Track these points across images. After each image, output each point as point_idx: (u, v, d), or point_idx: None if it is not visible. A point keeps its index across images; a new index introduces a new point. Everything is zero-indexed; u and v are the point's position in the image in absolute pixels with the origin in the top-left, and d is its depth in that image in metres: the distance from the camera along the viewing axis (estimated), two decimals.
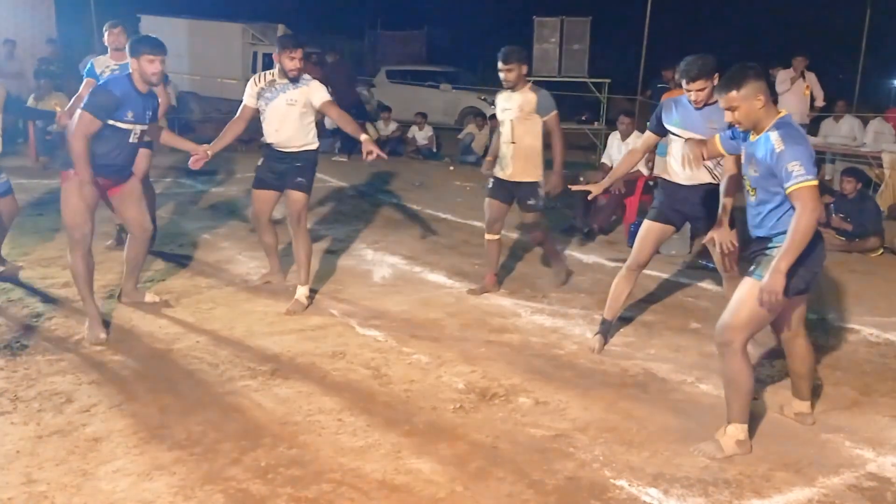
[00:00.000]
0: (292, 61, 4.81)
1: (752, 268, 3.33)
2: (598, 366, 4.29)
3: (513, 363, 4.26)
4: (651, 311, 5.25)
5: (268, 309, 4.97)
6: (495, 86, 16.12)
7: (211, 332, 4.51)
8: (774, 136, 3.13)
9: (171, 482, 2.91)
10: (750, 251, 3.43)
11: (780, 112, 3.22)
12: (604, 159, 7.83)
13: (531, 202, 5.30)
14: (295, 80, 4.88)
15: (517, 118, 5.16)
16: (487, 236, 5.53)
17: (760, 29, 16.19)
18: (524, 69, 5.13)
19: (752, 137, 3.28)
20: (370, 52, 21.37)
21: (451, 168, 11.76)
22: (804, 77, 9.90)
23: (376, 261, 6.29)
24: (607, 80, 12.18)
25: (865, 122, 10.20)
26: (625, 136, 7.56)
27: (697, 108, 4.13)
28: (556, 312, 5.14)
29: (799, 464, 3.28)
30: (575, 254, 6.77)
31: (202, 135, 11.21)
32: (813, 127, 10.30)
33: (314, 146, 5.06)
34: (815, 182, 3.07)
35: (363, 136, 4.81)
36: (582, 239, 7.25)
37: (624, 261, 6.41)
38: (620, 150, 7.55)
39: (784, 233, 3.14)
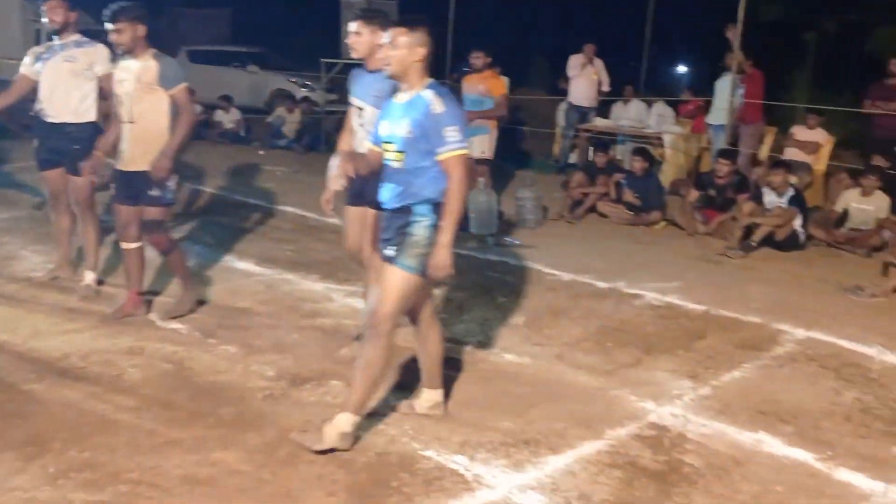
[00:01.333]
0: (53, 11, 4.59)
1: (392, 254, 3.14)
2: (409, 344, 4.38)
3: (325, 347, 4.25)
4: (460, 288, 5.43)
5: (56, 306, 4.61)
6: (307, 68, 15.85)
7: None
8: (430, 95, 3.05)
9: None
10: (385, 232, 3.21)
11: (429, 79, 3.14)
12: None
13: (154, 193, 4.36)
14: (79, 44, 4.66)
15: (135, 91, 4.26)
16: (122, 245, 4.54)
17: (560, 18, 17.13)
18: (140, 30, 4.23)
19: (400, 98, 3.16)
20: (170, 31, 20.21)
21: (261, 153, 11.46)
22: (593, 63, 10.61)
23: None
24: None
25: (650, 104, 11.12)
26: None
27: (370, 73, 3.83)
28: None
29: (590, 420, 3.55)
30: None
31: None
32: (603, 110, 11.08)
33: (92, 118, 4.76)
34: (467, 151, 3.08)
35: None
36: None
37: None
38: None
39: (426, 202, 3.07)
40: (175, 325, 4.44)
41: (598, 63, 10.71)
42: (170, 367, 3.88)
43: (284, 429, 3.29)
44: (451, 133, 3.01)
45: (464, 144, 3.05)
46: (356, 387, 3.11)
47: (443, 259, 3.06)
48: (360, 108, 3.91)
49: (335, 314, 4.81)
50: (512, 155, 7.73)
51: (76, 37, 4.71)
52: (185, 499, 2.76)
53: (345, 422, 3.09)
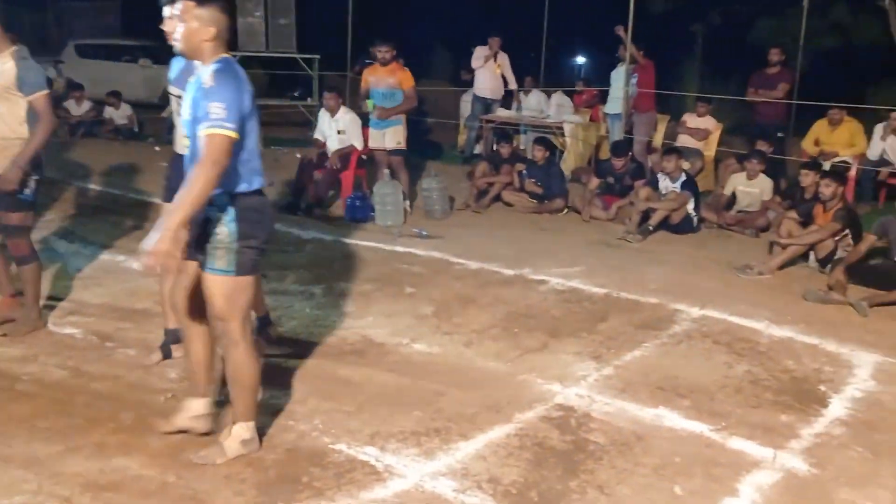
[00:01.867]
0: None
1: (201, 258, 2.91)
2: (317, 338, 4.35)
3: None
4: (367, 280, 5.42)
5: None
6: None
7: None
8: (208, 71, 2.79)
9: None
10: (190, 231, 2.86)
11: (225, 55, 2.90)
12: (316, 135, 7.87)
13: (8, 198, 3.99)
14: None
15: None
16: None
17: (462, 10, 17.22)
18: None
19: (193, 79, 2.92)
20: (55, 25, 19.22)
21: (157, 149, 11.04)
22: (496, 58, 10.67)
23: (71, 252, 5.75)
24: (317, 56, 12.20)
25: (550, 95, 11.36)
26: (333, 112, 7.66)
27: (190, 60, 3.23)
28: (275, 290, 5.10)
29: (499, 404, 3.62)
30: (294, 230, 6.75)
31: None
32: (506, 101, 11.24)
33: None
34: (233, 135, 2.71)
35: None
36: (300, 214, 7.25)
37: (343, 235, 6.60)
38: (330, 126, 7.65)
39: (223, 193, 2.82)
40: (71, 329, 4.25)
41: (504, 59, 10.75)
42: (65, 373, 3.72)
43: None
44: (214, 109, 2.68)
45: (225, 125, 2.69)
46: (236, 397, 3.00)
47: (160, 246, 2.66)
48: (180, 98, 3.47)
49: None
50: (417, 146, 7.76)
51: None
52: None
53: (243, 429, 3.01)
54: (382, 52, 7.25)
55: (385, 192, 7.15)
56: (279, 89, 14.45)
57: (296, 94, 13.24)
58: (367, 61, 10.11)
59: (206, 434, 3.14)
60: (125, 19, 19.84)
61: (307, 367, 3.93)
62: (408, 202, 7.38)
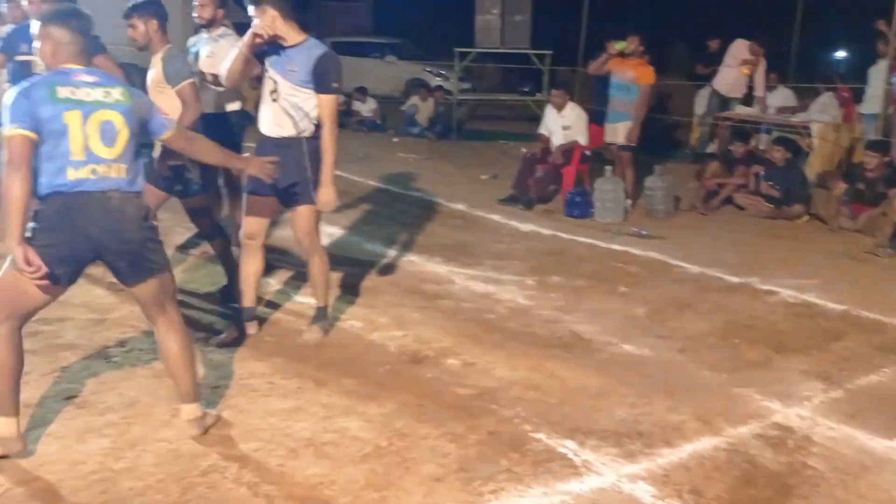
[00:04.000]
0: (202, 8, 4.82)
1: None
2: (527, 329, 4.44)
3: (444, 327, 4.38)
4: (581, 276, 5.42)
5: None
6: (441, 57, 16.06)
7: None
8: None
9: (103, 444, 2.97)
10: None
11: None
12: (541, 130, 7.96)
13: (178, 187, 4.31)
14: (223, 37, 4.85)
15: (152, 90, 4.21)
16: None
17: (699, 2, 16.45)
18: (154, 24, 4.20)
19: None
20: (315, 23, 21.08)
21: (395, 140, 11.79)
22: (756, 64, 9.76)
23: None
24: (549, 52, 12.29)
25: (799, 92, 10.48)
26: (559, 108, 7.70)
27: (286, 47, 3.78)
28: (490, 279, 5.27)
29: (708, 415, 3.47)
30: (513, 222, 6.91)
31: None
32: (747, 98, 10.55)
33: (234, 108, 5.09)
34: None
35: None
36: (520, 208, 7.39)
37: (561, 230, 6.65)
38: (556, 122, 7.70)
39: None
40: (309, 299, 4.69)
41: (762, 67, 9.75)
42: (300, 338, 4.13)
43: (404, 402, 3.44)
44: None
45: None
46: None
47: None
48: (275, 81, 3.84)
49: (455, 296, 4.93)
50: (646, 142, 7.59)
51: (221, 30, 4.94)
52: (310, 460, 2.95)
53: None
54: (631, 41, 7.11)
55: (606, 188, 7.07)
56: (511, 84, 14.78)
57: (525, 90, 13.43)
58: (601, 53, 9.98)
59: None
60: (376, 19, 21.29)
61: (515, 356, 4.02)
62: (629, 200, 7.24)
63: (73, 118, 2.71)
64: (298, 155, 3.84)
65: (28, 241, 2.67)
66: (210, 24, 4.93)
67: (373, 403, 3.42)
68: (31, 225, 2.72)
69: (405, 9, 18.95)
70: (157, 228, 2.96)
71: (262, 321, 4.26)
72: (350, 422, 3.25)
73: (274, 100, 3.85)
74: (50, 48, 2.81)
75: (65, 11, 2.92)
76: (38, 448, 2.93)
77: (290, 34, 3.77)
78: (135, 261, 2.85)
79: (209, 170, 4.34)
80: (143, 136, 2.95)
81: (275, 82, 3.83)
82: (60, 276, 2.77)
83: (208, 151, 3.27)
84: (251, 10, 3.74)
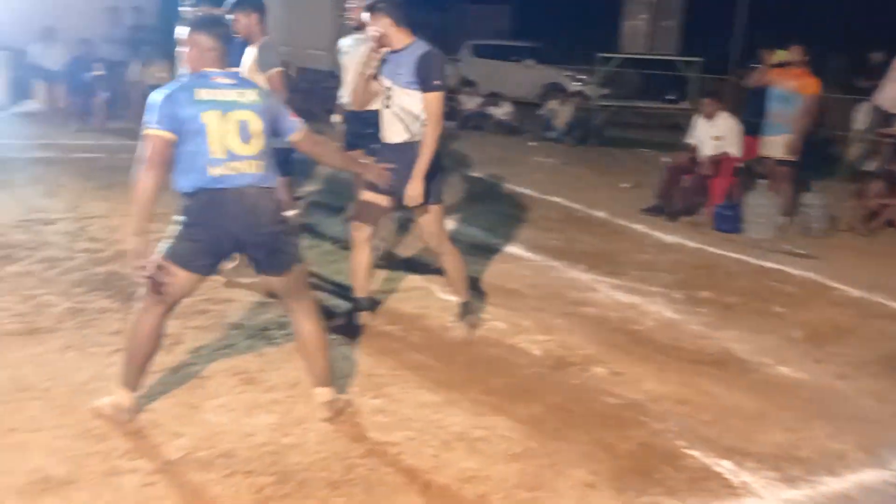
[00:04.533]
0: (354, 10, 4.91)
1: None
2: (676, 343, 4.35)
3: (589, 335, 4.35)
4: (731, 293, 5.23)
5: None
6: (581, 61, 15.87)
7: None
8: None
9: (270, 419, 3.15)
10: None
11: None
12: (689, 139, 7.73)
13: None
14: None
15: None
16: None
17: (857, 11, 15.48)
18: (255, 18, 4.55)
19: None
20: (456, 26, 21.38)
21: (532, 144, 11.79)
22: None
23: (455, 231, 6.43)
24: (699, 59, 11.92)
25: None
26: (710, 117, 7.46)
27: (394, 53, 3.89)
28: (635, 289, 5.19)
29: (874, 446, 3.28)
30: (657, 233, 6.76)
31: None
32: None
33: None
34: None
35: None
36: (664, 219, 7.22)
37: (708, 243, 6.45)
38: (706, 132, 7.46)
39: None
40: (453, 297, 4.79)
41: None
42: (448, 333, 4.22)
43: (551, 405, 3.45)
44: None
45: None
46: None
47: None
48: (388, 88, 3.93)
49: (599, 304, 4.89)
50: (804, 158, 7.23)
51: None
52: (461, 454, 3.02)
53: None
54: (793, 51, 6.88)
55: (758, 203, 6.80)
56: (651, 91, 14.44)
57: (669, 98, 13.10)
58: (753, 66, 9.63)
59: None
60: (516, 22, 21.37)
61: (664, 369, 3.95)
62: (784, 217, 6.92)
63: (211, 118, 2.88)
64: (413, 160, 3.89)
65: (179, 236, 2.90)
66: (363, 28, 5.08)
67: (520, 404, 3.45)
68: (180, 219, 2.93)
69: (547, 12, 18.93)
70: (288, 221, 3.12)
71: (404, 317, 4.38)
72: (499, 420, 3.29)
73: (387, 106, 3.95)
74: (196, 53, 3.01)
75: (211, 20, 3.19)
76: (213, 418, 3.15)
77: (401, 39, 3.87)
78: (271, 252, 3.02)
79: None
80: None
81: (388, 89, 3.95)
82: (202, 268, 2.98)
83: (332, 155, 3.52)
84: (366, 16, 3.89)
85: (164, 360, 3.58)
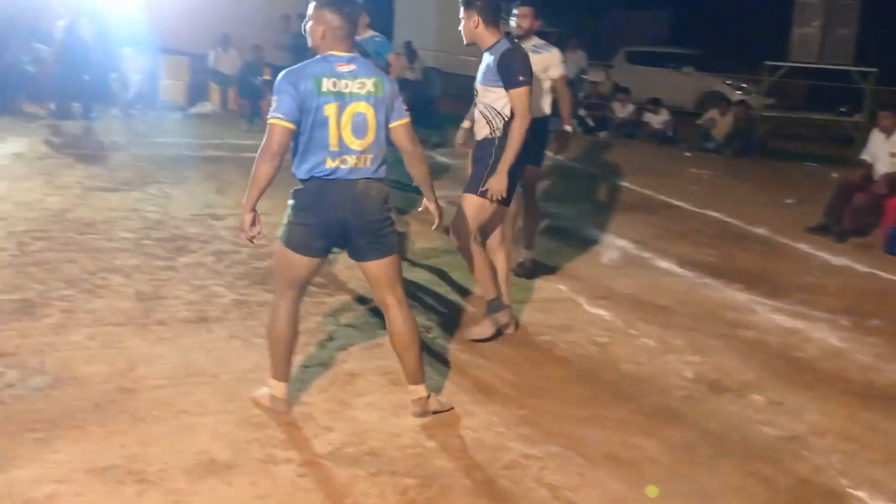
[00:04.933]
0: (522, 18, 4.91)
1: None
2: (842, 373, 4.04)
3: (747, 359, 4.13)
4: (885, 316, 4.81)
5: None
6: (743, 69, 15.15)
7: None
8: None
9: (415, 422, 3.20)
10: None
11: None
12: (863, 155, 7.19)
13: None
14: (536, 48, 4.90)
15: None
16: None
17: None
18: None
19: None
20: (609, 32, 21.00)
21: (688, 154, 11.37)
22: None
23: (605, 242, 6.31)
24: (874, 70, 11.06)
25: None
26: (888, 133, 6.89)
27: (485, 51, 4.01)
28: (798, 313, 4.87)
29: None
30: (823, 254, 6.33)
31: (441, 107, 11.82)
32: None
33: (542, 114, 5.04)
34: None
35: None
36: (831, 239, 6.74)
37: (881, 268, 5.96)
38: (884, 148, 6.90)
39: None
40: (600, 311, 4.70)
41: None
42: (594, 349, 4.14)
43: (704, 431, 3.30)
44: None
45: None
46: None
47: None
48: (476, 87, 4.06)
49: (758, 327, 4.63)
50: None
51: (534, 41, 5.00)
52: (607, 473, 2.94)
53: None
54: None
55: None
56: (820, 102, 13.52)
57: (843, 110, 12.23)
58: None
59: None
60: (675, 28, 20.69)
61: (829, 401, 3.68)
62: None
63: (332, 111, 2.91)
64: (493, 155, 3.95)
65: (290, 221, 3.04)
66: (526, 35, 5.02)
67: (670, 427, 3.33)
68: (290, 203, 3.03)
69: (707, 19, 18.21)
70: (392, 211, 3.13)
71: (550, 328, 4.34)
72: (648, 442, 3.18)
73: (475, 104, 4.08)
74: (321, 30, 2.98)
75: None
76: (361, 415, 3.25)
77: (488, 37, 3.92)
78: (373, 240, 3.06)
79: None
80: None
81: (476, 87, 4.05)
82: (316, 249, 3.08)
83: (419, 163, 3.22)
84: (461, 12, 3.93)
85: (317, 356, 3.75)
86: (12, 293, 4.23)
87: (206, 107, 12.29)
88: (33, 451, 2.79)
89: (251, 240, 3.04)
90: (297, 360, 3.67)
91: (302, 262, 3.07)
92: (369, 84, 2.99)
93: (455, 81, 14.93)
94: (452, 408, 3.31)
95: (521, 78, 3.87)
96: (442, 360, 3.86)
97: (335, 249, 3.25)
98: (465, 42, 4.00)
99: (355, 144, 2.97)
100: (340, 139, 2.94)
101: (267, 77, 11.44)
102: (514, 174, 4.01)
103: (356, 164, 2.99)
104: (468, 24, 3.92)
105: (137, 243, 5.30)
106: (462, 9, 3.93)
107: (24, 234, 5.24)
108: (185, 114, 11.81)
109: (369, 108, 2.99)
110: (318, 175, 2.96)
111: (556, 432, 3.22)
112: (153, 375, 3.44)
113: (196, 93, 12.44)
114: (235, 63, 12.29)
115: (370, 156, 3.02)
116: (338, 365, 3.69)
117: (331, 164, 2.95)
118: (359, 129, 2.97)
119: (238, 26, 12.99)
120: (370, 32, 5.19)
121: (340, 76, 2.95)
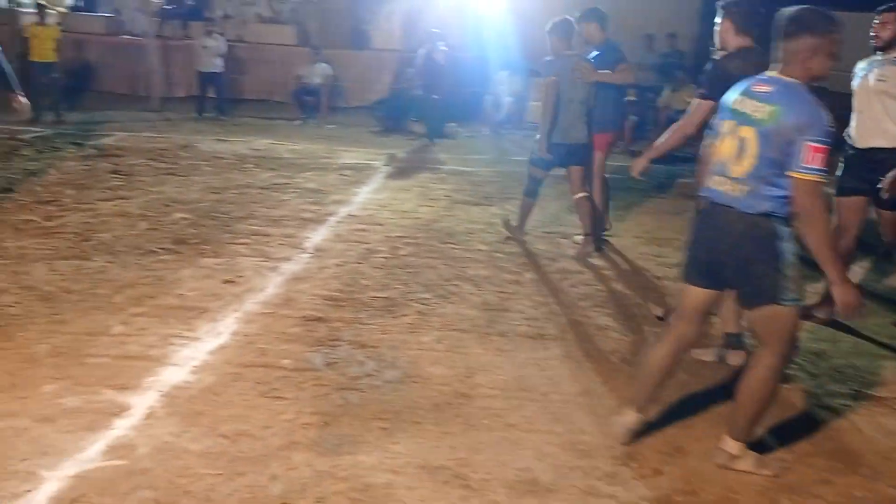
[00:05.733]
0: (882, 26, 4.25)
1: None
2: None
3: None
4: None
5: (865, 325, 4.45)
6: None
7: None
8: None
9: (757, 478, 2.85)
10: None
11: None
12: None
13: None
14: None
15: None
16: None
17: None
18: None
19: None
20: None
21: None
22: None
23: None
24: None
25: None
26: None
27: None
28: None
29: None
30: None
31: None
32: None
33: None
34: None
35: None
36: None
37: None
38: None
39: None
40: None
41: None
42: None
43: None
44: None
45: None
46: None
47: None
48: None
49: None
50: None
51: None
52: None
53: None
54: None
55: None
56: None
57: None
58: None
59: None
60: None
61: None
62: None
63: (727, 129, 2.81)
64: None
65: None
66: (887, 46, 4.28)
67: None
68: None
69: None
70: (782, 254, 2.68)
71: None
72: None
73: None
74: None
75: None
76: (695, 463, 2.97)
77: (736, 44, 3.80)
78: (741, 280, 2.76)
79: None
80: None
81: None
82: (696, 280, 2.91)
83: (823, 236, 2.61)
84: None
85: (664, 396, 3.52)
86: (381, 291, 4.71)
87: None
88: (379, 439, 3.04)
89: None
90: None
91: (688, 293, 3.02)
92: (764, 111, 2.74)
93: None
94: (775, 475, 2.91)
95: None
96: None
97: None
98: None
99: (732, 171, 2.86)
100: (724, 159, 2.92)
101: (631, 97, 11.38)
102: None
103: (729, 190, 2.87)
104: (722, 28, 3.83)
105: (490, 255, 5.58)
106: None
107: (397, 240, 5.83)
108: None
109: (753, 136, 2.80)
110: (704, 193, 2.97)
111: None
112: (488, 384, 3.56)
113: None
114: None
115: (745, 187, 2.78)
116: (680, 407, 3.43)
117: (711, 182, 2.94)
118: (739, 155, 2.84)
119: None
120: None
121: (752, 96, 2.81)
